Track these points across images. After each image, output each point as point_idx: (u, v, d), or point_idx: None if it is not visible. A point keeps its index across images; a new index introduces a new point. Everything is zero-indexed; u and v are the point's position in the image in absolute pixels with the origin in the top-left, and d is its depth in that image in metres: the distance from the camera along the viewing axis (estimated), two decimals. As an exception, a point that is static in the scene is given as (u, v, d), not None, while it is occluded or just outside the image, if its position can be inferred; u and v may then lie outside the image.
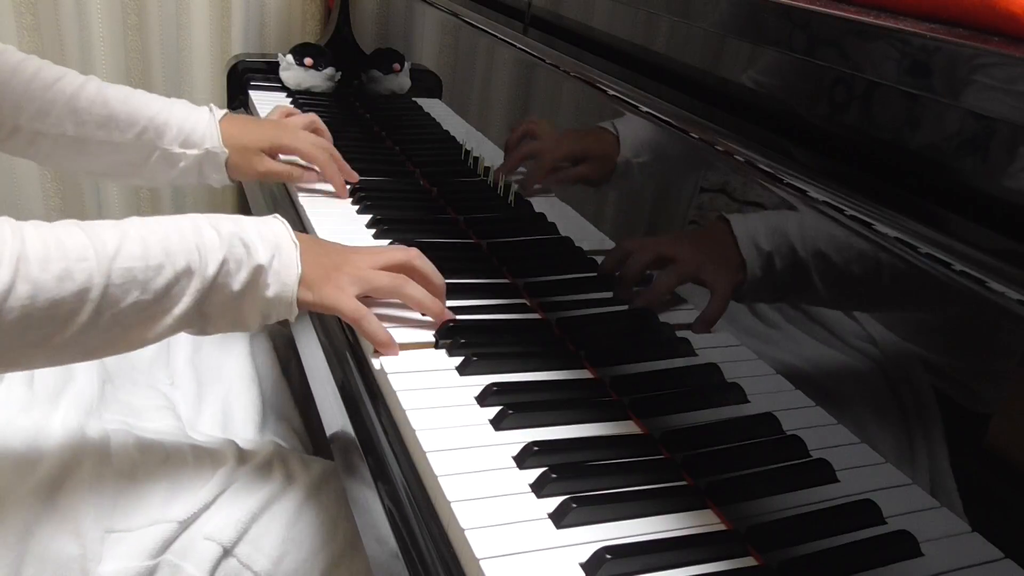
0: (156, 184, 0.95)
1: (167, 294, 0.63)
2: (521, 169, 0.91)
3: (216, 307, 0.66)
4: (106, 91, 0.93)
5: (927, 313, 0.46)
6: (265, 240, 0.69)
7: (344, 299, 0.71)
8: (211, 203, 1.84)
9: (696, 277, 0.65)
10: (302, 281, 0.70)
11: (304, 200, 1.03)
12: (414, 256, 0.76)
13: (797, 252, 0.54)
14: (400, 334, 0.74)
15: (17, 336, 0.57)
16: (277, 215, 0.74)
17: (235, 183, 1.02)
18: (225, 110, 1.00)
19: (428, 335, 0.75)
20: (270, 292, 0.68)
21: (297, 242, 0.71)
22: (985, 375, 0.44)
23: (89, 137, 0.92)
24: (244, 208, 1.70)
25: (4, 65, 0.88)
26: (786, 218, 0.55)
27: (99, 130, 0.92)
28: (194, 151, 0.95)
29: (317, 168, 1.04)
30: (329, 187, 1.05)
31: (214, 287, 0.65)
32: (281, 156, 1.04)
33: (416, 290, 0.74)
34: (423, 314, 0.76)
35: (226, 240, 0.67)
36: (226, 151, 0.97)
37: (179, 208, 1.82)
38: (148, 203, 1.79)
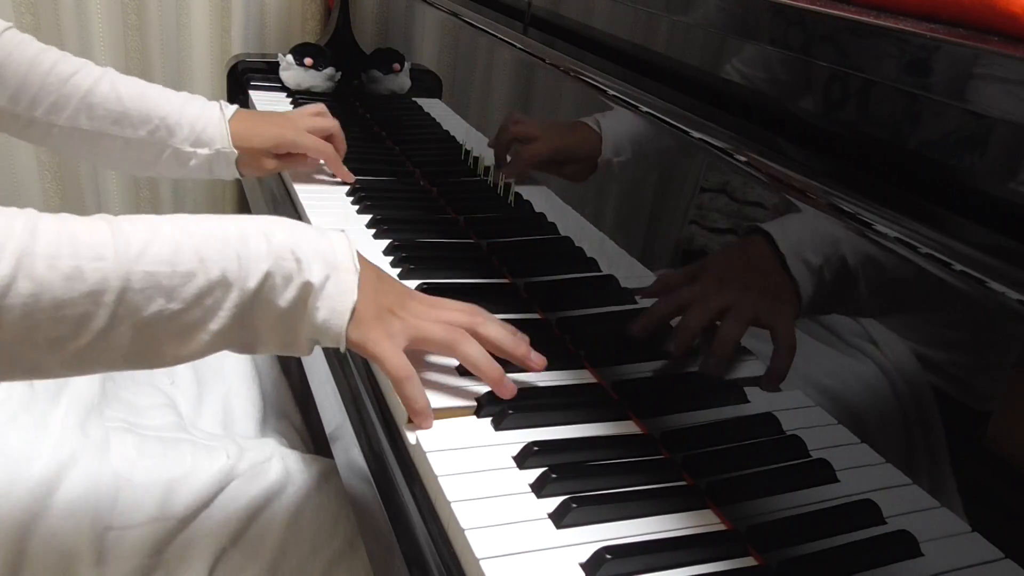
0: (170, 176, 0.98)
1: (198, 305, 0.56)
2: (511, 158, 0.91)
3: (262, 324, 0.59)
4: (120, 88, 0.94)
5: (927, 312, 0.46)
6: (322, 256, 0.60)
7: (390, 350, 0.62)
8: (211, 202, 1.84)
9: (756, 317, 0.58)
10: (353, 314, 0.61)
11: (304, 199, 1.03)
12: (480, 322, 0.66)
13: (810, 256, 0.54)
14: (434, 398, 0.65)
15: (23, 336, 0.52)
16: (344, 230, 0.64)
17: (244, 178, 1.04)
18: (236, 106, 1.01)
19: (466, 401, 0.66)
20: (319, 317, 0.60)
21: (359, 266, 0.62)
22: (985, 374, 0.44)
23: (103, 132, 0.94)
24: (244, 207, 1.70)
25: (22, 57, 0.89)
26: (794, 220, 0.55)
27: (112, 126, 0.93)
28: (204, 150, 0.97)
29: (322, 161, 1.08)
30: (328, 185, 1.09)
31: (257, 303, 0.58)
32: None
33: (473, 348, 0.64)
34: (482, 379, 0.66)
35: (275, 250, 0.59)
36: (235, 152, 0.98)
37: (178, 206, 1.81)
38: (148, 202, 1.79)
